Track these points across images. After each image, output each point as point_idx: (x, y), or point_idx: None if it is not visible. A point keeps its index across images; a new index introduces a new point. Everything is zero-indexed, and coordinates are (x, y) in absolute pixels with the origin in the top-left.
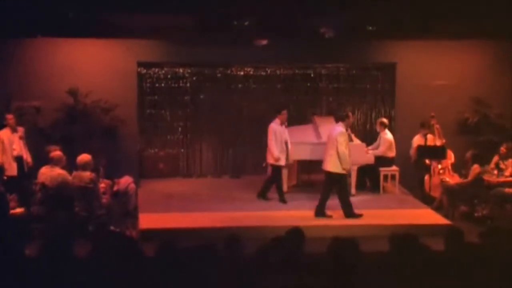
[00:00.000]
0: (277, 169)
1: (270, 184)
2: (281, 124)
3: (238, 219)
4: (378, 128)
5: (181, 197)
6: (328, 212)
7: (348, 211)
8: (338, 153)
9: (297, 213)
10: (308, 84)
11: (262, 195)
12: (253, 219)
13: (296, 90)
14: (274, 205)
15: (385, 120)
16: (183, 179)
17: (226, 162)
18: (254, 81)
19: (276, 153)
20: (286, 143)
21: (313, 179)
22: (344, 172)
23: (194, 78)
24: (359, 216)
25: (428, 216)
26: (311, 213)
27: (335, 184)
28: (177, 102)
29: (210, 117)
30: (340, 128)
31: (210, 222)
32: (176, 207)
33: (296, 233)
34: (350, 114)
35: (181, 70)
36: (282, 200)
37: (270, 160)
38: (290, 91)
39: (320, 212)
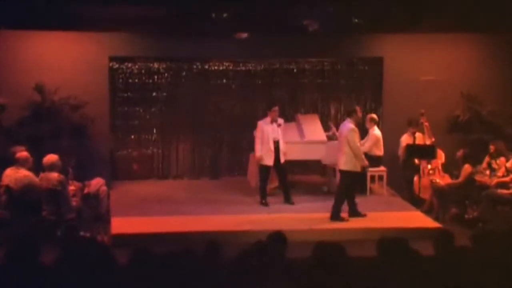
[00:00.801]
0: (262, 169)
1: (283, 185)
2: (272, 121)
3: (217, 223)
4: (367, 124)
5: (156, 200)
6: (345, 216)
7: (335, 213)
8: (352, 150)
9: (279, 216)
10: (291, 80)
11: (286, 199)
12: (233, 223)
13: (278, 86)
14: (255, 208)
15: (375, 116)
16: (159, 181)
17: (204, 163)
18: (233, 76)
19: (258, 152)
20: (276, 142)
21: (296, 180)
22: (357, 169)
23: (170, 74)
24: (343, 220)
25: (417, 219)
26: (293, 216)
27: (348, 182)
28: (151, 99)
29: (187, 115)
30: (349, 124)
31: (187, 226)
32: (151, 211)
33: (278, 238)
34: (358, 108)
35: (155, 65)
36: (264, 203)
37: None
38: (271, 87)
39: (353, 213)
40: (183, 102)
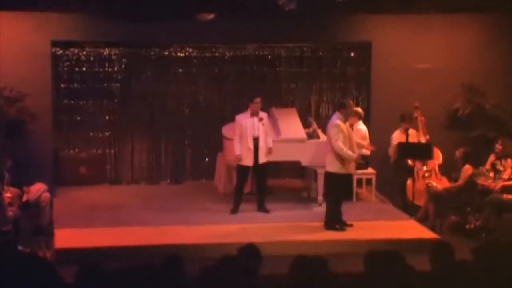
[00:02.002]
0: (240, 171)
1: (258, 190)
2: (253, 115)
3: (179, 235)
4: (350, 120)
5: (107, 209)
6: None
7: (329, 222)
8: (333, 149)
9: (251, 227)
10: (265, 68)
11: (260, 207)
12: (198, 234)
13: (249, 75)
14: (223, 218)
15: (360, 110)
16: (110, 186)
17: (164, 165)
18: (197, 64)
19: (237, 150)
20: (256, 140)
21: (271, 185)
22: (344, 171)
23: (124, 61)
24: (342, 230)
25: (410, 229)
26: (268, 226)
27: (333, 186)
28: (102, 90)
29: (143, 109)
30: (335, 120)
31: (144, 239)
32: (101, 221)
33: (250, 251)
34: (349, 102)
35: (107, 51)
36: (234, 211)
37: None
38: (242, 77)
39: (331, 224)
40: (139, 94)
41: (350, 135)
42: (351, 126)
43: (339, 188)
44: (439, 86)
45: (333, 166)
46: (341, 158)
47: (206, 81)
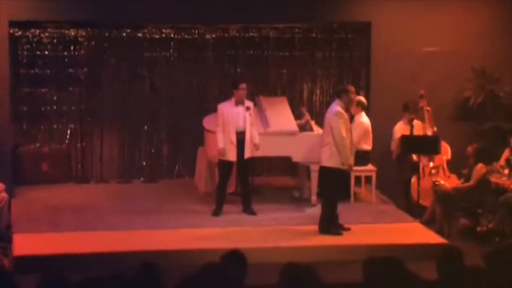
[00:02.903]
0: (222, 166)
1: (242, 189)
2: (237, 103)
3: (154, 239)
4: (352, 110)
5: (73, 211)
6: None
7: (324, 225)
8: (335, 141)
9: (236, 230)
10: (251, 52)
11: (246, 208)
12: (176, 239)
13: (234, 59)
14: (204, 220)
15: (363, 99)
16: (77, 186)
17: (138, 161)
18: (175, 48)
19: (220, 143)
20: (242, 131)
21: (258, 183)
22: (342, 167)
23: (91, 44)
24: (338, 234)
25: (415, 233)
26: (255, 230)
27: (330, 183)
28: (67, 77)
29: (114, 98)
30: (335, 107)
31: (115, 244)
32: (66, 225)
33: (235, 258)
34: (350, 88)
35: (72, 32)
36: (216, 212)
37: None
38: (225, 62)
39: (326, 227)
40: (110, 81)
41: (350, 126)
42: (352, 117)
43: (337, 186)
44: (447, 72)
45: (332, 161)
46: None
47: (185, 67)
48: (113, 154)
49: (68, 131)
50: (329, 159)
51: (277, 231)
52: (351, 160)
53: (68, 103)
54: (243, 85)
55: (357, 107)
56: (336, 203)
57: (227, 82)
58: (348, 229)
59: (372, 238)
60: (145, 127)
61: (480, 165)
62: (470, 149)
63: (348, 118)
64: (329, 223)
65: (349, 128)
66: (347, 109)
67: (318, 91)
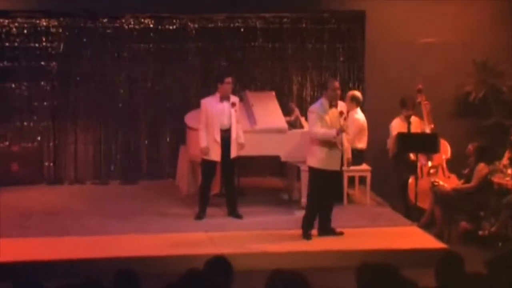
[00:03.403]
0: (205, 166)
1: (227, 190)
2: (222, 99)
3: (133, 245)
4: (347, 105)
5: (46, 214)
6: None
7: (304, 228)
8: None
9: (221, 235)
10: (237, 43)
11: (232, 211)
12: (156, 244)
13: (218, 51)
14: (187, 224)
15: (358, 94)
16: (49, 187)
17: (115, 161)
18: (155, 39)
19: (203, 141)
20: (227, 129)
21: (244, 185)
22: (331, 167)
23: (65, 35)
24: (307, 238)
25: (413, 237)
26: (241, 234)
27: (314, 184)
28: (38, 70)
29: (90, 94)
30: (315, 104)
31: (91, 250)
32: (38, 229)
33: (219, 265)
34: (333, 82)
35: (44, 23)
36: (199, 216)
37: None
38: (209, 54)
39: (324, 229)
40: (84, 75)
41: (335, 123)
42: (343, 113)
43: (322, 188)
44: (447, 65)
45: (313, 160)
46: (323, 151)
47: (166, 59)
48: (88, 153)
49: (40, 129)
50: (311, 158)
51: (265, 235)
52: (348, 154)
53: (39, 99)
54: (229, 79)
55: (351, 103)
56: (316, 206)
57: (211, 75)
58: (341, 234)
59: (366, 242)
60: (122, 124)
61: (481, 164)
62: (470, 147)
63: (339, 113)
64: (306, 226)
65: (331, 125)
66: (331, 106)
67: (308, 86)
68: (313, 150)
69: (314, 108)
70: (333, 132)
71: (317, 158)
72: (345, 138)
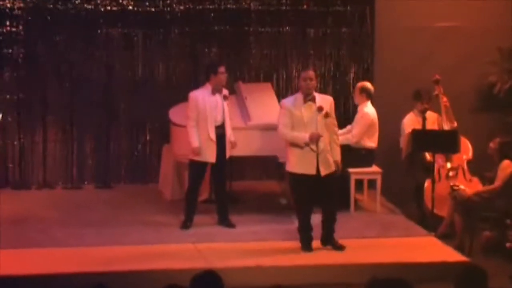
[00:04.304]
0: (194, 168)
1: (218, 196)
2: (215, 91)
3: (110, 258)
4: (356, 99)
5: (10, 223)
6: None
7: (302, 238)
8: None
9: (210, 247)
10: (228, 28)
11: (222, 219)
12: (136, 257)
13: (208, 37)
14: (171, 234)
15: (368, 86)
16: (14, 192)
17: (89, 162)
18: (136, 22)
19: (194, 141)
20: (220, 126)
21: (236, 189)
22: (294, 171)
23: (31, 18)
24: (309, 250)
25: (429, 249)
26: (233, 246)
27: (293, 190)
28: (1, 58)
29: (60, 86)
30: (290, 96)
31: (62, 264)
32: (2, 240)
33: (208, 280)
34: (305, 71)
35: (8, 4)
36: (186, 225)
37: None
38: (197, 40)
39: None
40: (54, 64)
41: (312, 121)
42: (322, 109)
43: (305, 194)
44: (467, 52)
45: (288, 163)
46: (294, 153)
47: (148, 46)
48: (59, 153)
49: (3, 126)
50: (288, 162)
51: (260, 247)
52: (336, 157)
53: (2, 91)
54: (222, 69)
55: (361, 95)
56: (305, 213)
57: (200, 64)
58: (342, 248)
59: (375, 255)
60: (98, 121)
61: (505, 161)
62: (492, 144)
63: (318, 109)
64: (303, 238)
65: (307, 119)
66: (307, 99)
67: None
68: (286, 151)
69: (285, 102)
70: (305, 137)
71: (290, 161)
72: (321, 139)
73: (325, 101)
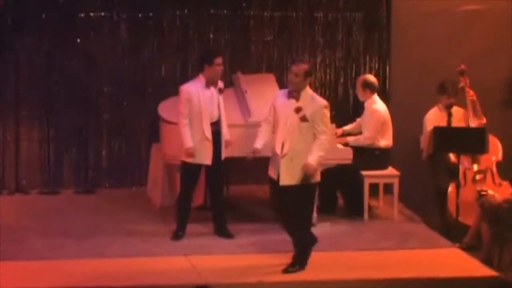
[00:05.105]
0: (187, 170)
1: (214, 202)
2: (209, 84)
3: (92, 272)
4: (360, 95)
5: None
6: None
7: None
8: None
9: (206, 260)
10: (226, 12)
11: (219, 229)
12: (122, 272)
13: (203, 22)
14: (162, 246)
15: (371, 79)
16: None
17: (68, 164)
18: (119, 6)
19: (188, 141)
20: (216, 123)
21: (235, 195)
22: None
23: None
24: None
25: (453, 262)
26: (231, 259)
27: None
28: None
29: (33, 78)
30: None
31: (37, 278)
32: None
33: None
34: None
35: None
36: (178, 235)
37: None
38: (190, 25)
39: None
40: (28, 54)
41: (285, 119)
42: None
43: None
44: (496, 39)
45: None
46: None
47: (134, 32)
48: (34, 154)
49: None
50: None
51: (261, 260)
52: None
53: None
54: (220, 60)
55: (364, 91)
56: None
57: (193, 54)
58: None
59: (392, 270)
60: (77, 118)
61: None
62: None
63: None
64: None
65: (277, 116)
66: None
67: (319, 66)
68: None
69: (278, 92)
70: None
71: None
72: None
73: (311, 104)
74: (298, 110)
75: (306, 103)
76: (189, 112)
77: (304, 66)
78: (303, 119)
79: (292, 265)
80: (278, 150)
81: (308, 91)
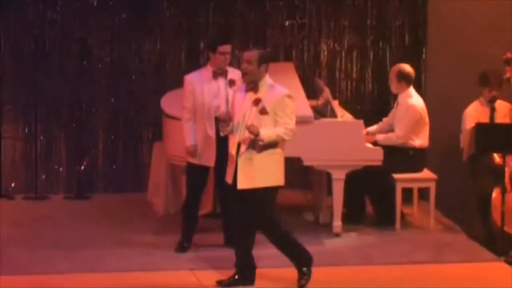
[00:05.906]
0: (193, 173)
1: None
2: (216, 75)
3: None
4: (394, 87)
5: None
6: None
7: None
8: None
9: (213, 274)
10: None
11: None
12: (119, 287)
13: (208, 5)
14: (164, 258)
15: (407, 69)
16: None
17: (57, 166)
18: None
19: (189, 139)
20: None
21: None
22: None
23: None
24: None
25: (499, 277)
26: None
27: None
28: None
29: (20, 70)
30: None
31: None
32: None
33: None
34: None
35: None
36: (183, 246)
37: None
38: (192, 9)
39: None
40: (11, 42)
41: (244, 112)
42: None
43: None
44: None
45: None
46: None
47: (132, 19)
48: (19, 155)
49: None
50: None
51: (279, 275)
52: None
53: None
54: (226, 48)
55: (399, 83)
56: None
57: (198, 40)
58: None
59: (428, 285)
60: (70, 112)
61: None
62: None
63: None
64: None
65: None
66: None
67: (344, 54)
68: None
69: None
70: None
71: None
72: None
73: (271, 94)
74: (256, 102)
75: (265, 93)
76: (193, 104)
77: (256, 52)
78: (263, 111)
79: (300, 278)
80: (233, 150)
81: (267, 80)
